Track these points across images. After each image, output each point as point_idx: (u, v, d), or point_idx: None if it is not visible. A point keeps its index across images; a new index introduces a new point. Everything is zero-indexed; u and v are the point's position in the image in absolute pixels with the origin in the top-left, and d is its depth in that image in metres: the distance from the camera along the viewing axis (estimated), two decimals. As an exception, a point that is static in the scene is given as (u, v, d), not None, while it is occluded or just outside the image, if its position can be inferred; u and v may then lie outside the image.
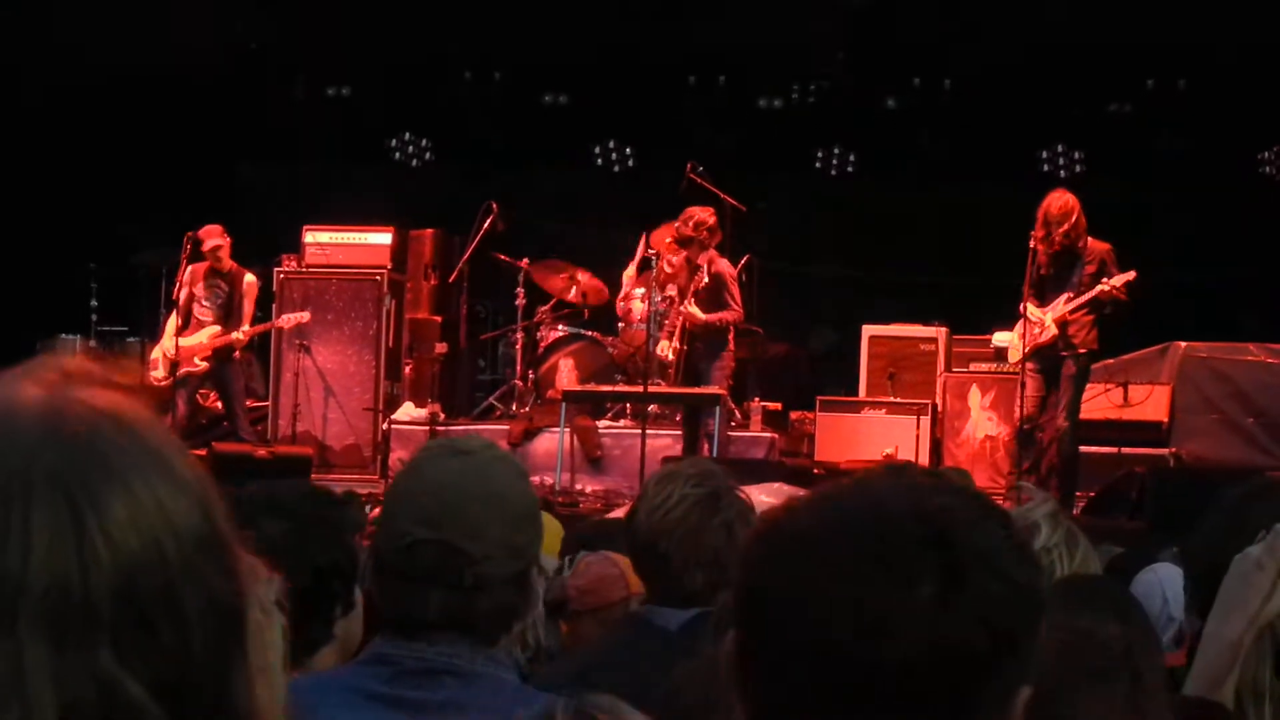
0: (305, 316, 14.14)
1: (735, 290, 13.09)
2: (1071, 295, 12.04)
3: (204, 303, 13.71)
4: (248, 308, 13.80)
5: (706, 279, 12.92)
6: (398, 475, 2.98)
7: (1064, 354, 12.12)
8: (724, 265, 13.11)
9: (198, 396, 14.13)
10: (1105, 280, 11.95)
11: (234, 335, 13.64)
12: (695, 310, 12.95)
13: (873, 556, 1.53)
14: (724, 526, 3.78)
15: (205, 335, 13.67)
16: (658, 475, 3.94)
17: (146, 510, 1.21)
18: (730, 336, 13.23)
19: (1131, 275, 11.97)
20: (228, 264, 13.74)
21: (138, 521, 1.20)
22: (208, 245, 13.60)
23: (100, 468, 1.21)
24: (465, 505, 2.81)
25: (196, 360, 13.65)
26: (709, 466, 3.98)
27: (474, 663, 2.76)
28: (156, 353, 13.88)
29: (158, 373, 13.74)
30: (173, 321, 13.75)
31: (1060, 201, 12.02)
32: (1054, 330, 12.04)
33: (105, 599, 1.18)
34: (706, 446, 12.77)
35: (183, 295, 13.73)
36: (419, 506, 2.83)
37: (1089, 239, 12.06)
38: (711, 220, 13.01)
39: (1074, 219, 11.93)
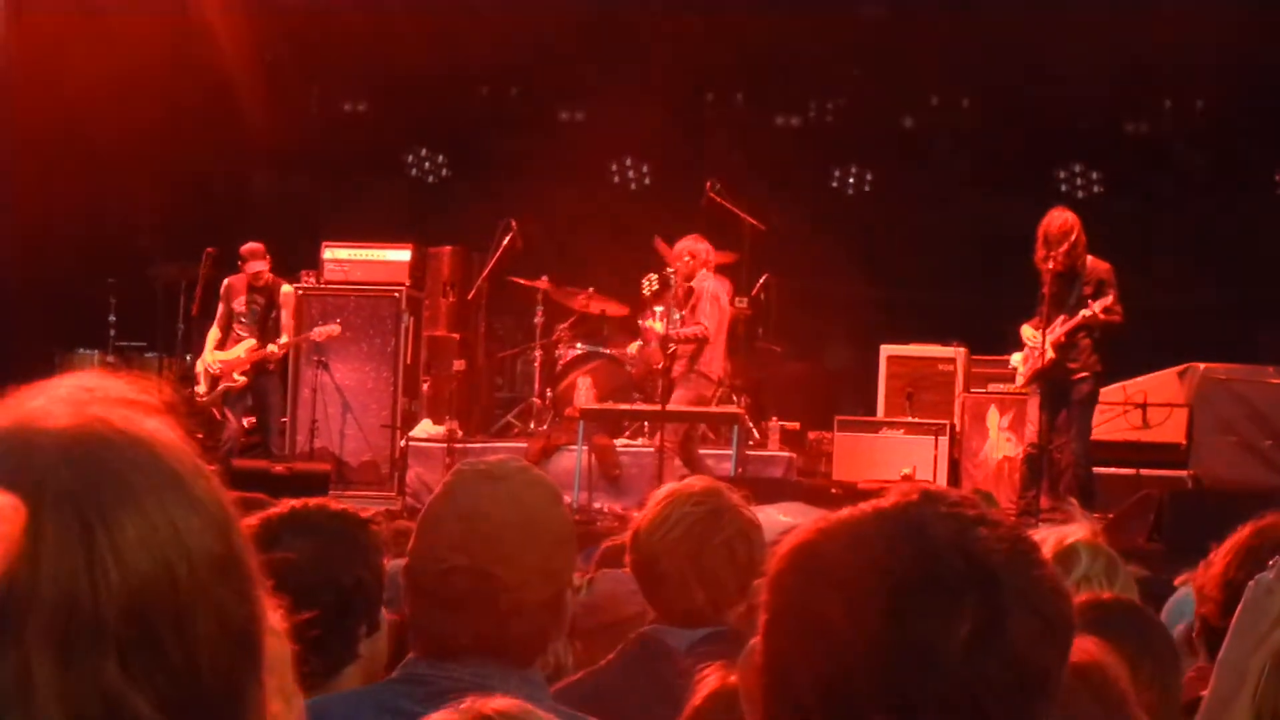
0: (336, 329, 14.15)
1: (709, 308, 13.04)
2: (1066, 317, 11.92)
3: (242, 318, 13.75)
4: (285, 318, 13.81)
5: (692, 302, 13.00)
6: (432, 500, 2.98)
7: (1072, 379, 12.01)
8: (708, 284, 13.10)
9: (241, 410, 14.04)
10: (1089, 304, 11.81)
11: (269, 349, 13.65)
12: (654, 324, 13.00)
13: (912, 589, 1.49)
14: (724, 545, 3.77)
15: (243, 349, 13.69)
16: (659, 494, 3.94)
17: (158, 530, 1.20)
18: (713, 360, 13.14)
19: (1109, 300, 11.78)
20: (265, 278, 13.77)
21: (149, 541, 1.20)
22: (250, 269, 13.64)
23: (114, 487, 1.21)
24: (500, 532, 2.82)
25: (235, 375, 13.67)
26: (712, 484, 3.97)
27: (508, 684, 2.74)
28: (199, 367, 13.91)
29: (200, 388, 13.79)
30: (212, 335, 13.80)
31: (1060, 220, 11.86)
32: (1051, 354, 11.92)
33: (113, 616, 1.17)
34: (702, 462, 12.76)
35: (221, 309, 13.79)
36: (454, 533, 2.83)
37: (1090, 258, 11.91)
38: (676, 258, 13.07)
39: (1074, 238, 11.77)
